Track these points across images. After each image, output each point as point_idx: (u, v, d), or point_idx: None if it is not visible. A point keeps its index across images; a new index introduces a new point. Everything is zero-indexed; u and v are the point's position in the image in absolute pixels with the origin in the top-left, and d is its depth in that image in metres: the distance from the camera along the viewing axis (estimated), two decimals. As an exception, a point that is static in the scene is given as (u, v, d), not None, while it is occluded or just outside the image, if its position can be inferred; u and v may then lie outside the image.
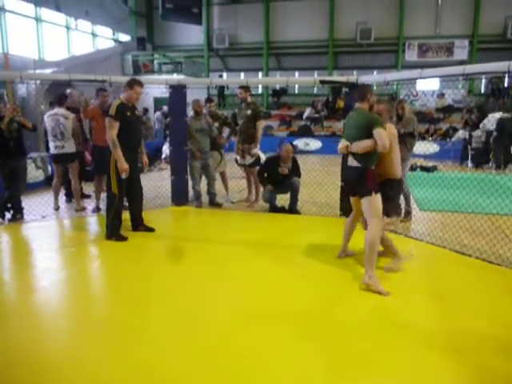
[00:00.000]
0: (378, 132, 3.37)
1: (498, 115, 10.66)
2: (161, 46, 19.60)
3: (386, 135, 3.38)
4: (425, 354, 2.50)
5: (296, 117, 17.14)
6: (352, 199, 3.85)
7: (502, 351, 2.54)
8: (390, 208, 3.87)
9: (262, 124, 6.30)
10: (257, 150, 6.34)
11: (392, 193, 3.75)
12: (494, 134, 10.25)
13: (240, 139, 6.34)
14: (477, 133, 11.31)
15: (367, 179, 3.48)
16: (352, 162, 3.57)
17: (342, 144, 3.64)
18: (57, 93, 6.25)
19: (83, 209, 6.16)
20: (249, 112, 6.19)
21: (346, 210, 5.15)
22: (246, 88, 6.25)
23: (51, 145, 5.96)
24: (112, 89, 5.89)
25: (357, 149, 3.47)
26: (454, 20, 16.46)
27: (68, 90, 6.64)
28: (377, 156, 3.52)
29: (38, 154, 8.36)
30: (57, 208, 6.17)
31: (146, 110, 12.72)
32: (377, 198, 3.49)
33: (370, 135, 3.41)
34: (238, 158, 6.47)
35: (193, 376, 2.31)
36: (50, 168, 8.02)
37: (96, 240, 4.76)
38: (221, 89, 16.88)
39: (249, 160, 6.35)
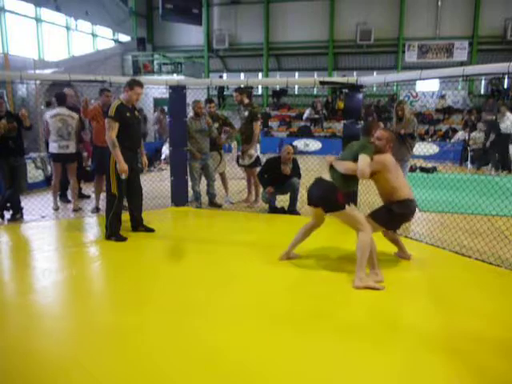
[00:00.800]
0: (361, 157, 3.42)
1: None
2: (161, 47, 19.61)
3: (367, 163, 3.41)
4: (424, 354, 2.50)
5: (296, 117, 17.15)
6: (312, 209, 3.78)
7: (502, 352, 2.54)
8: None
9: (258, 125, 6.30)
10: (253, 151, 6.34)
11: (406, 210, 3.73)
12: (492, 136, 10.30)
13: (240, 140, 6.38)
14: (474, 134, 11.32)
15: (336, 195, 3.47)
16: (326, 176, 3.60)
17: (330, 157, 3.72)
18: (57, 92, 6.22)
19: (80, 208, 6.17)
20: (246, 113, 6.21)
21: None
22: (240, 90, 6.26)
23: (54, 144, 5.91)
24: (112, 89, 5.90)
25: (339, 166, 3.52)
26: (453, 21, 16.49)
27: (65, 90, 6.63)
28: (352, 186, 3.60)
29: (38, 154, 8.36)
30: (56, 208, 6.17)
31: (163, 110, 12.74)
32: (351, 209, 3.52)
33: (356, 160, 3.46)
34: (240, 158, 6.48)
35: (193, 376, 2.31)
36: (49, 168, 8.02)
37: (96, 240, 4.76)
38: (221, 89, 16.90)
39: (248, 161, 6.35)
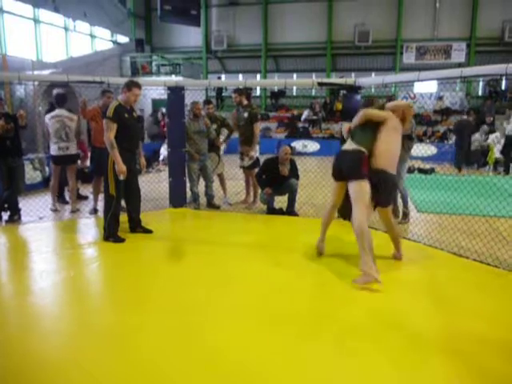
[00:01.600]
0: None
1: None
2: (159, 48, 19.61)
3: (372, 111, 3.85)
4: (423, 356, 2.50)
5: (294, 119, 17.15)
6: (336, 184, 3.95)
7: (501, 353, 2.54)
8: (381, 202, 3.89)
9: (258, 126, 6.29)
10: (253, 152, 6.33)
11: (381, 185, 3.71)
12: (454, 136, 10.72)
13: (240, 141, 6.38)
14: (475, 136, 11.36)
15: (362, 163, 3.65)
16: (349, 145, 3.80)
17: (346, 126, 4.03)
18: (56, 94, 6.21)
19: (78, 210, 6.16)
20: (246, 115, 6.21)
21: (343, 211, 5.15)
22: (239, 91, 6.26)
23: (54, 146, 5.92)
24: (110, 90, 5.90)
25: (354, 121, 3.91)
26: (451, 23, 16.54)
27: (54, 91, 6.61)
28: (370, 142, 3.76)
29: (36, 155, 8.35)
30: (55, 209, 6.16)
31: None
32: (365, 185, 3.62)
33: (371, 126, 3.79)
34: (239, 160, 6.48)
35: (192, 376, 2.30)
36: (47, 169, 8.01)
37: (94, 242, 4.75)
38: (219, 90, 16.90)
39: (248, 162, 6.35)
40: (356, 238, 3.53)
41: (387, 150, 3.74)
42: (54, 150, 5.95)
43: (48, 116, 5.97)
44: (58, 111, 5.97)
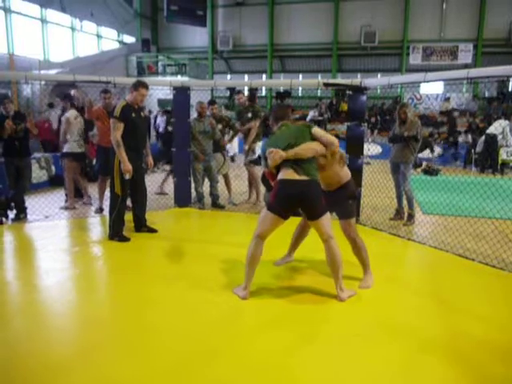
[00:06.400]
0: (318, 131, 3.05)
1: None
2: (165, 48, 19.68)
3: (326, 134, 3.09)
4: (426, 357, 2.49)
5: (299, 119, 17.14)
6: (276, 219, 3.27)
7: (504, 356, 2.52)
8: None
9: (256, 124, 6.33)
10: (257, 148, 6.34)
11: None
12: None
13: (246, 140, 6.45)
14: (482, 138, 11.31)
15: (320, 195, 3.04)
16: (299, 175, 3.02)
17: (276, 152, 3.00)
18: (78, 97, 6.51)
19: (90, 204, 6.41)
20: (249, 115, 6.26)
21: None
22: (244, 92, 6.37)
23: (76, 144, 6.14)
24: (116, 90, 5.93)
25: (304, 152, 2.99)
26: (458, 24, 16.47)
27: (72, 91, 6.68)
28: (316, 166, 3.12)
29: (42, 154, 8.40)
30: (68, 207, 6.26)
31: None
32: (328, 214, 3.16)
33: (312, 138, 3.05)
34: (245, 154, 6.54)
35: (193, 376, 2.31)
36: (53, 168, 8.07)
37: (99, 240, 4.77)
38: (232, 91, 16.90)
39: (251, 156, 6.37)
40: (333, 264, 3.16)
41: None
42: (73, 147, 6.13)
43: (71, 115, 6.10)
44: (76, 112, 6.18)
